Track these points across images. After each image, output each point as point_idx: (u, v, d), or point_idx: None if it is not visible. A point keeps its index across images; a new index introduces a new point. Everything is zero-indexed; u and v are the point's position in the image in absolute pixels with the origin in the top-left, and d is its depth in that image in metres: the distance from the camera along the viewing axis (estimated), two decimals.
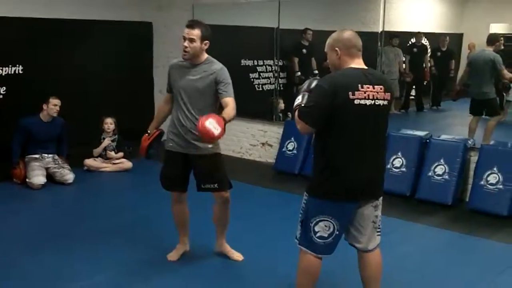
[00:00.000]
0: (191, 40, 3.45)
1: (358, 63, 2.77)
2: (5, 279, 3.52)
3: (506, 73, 6.24)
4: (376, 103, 2.69)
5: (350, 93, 2.63)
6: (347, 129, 2.69)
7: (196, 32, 3.45)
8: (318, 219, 2.79)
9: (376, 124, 2.76)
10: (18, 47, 6.32)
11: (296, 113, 2.79)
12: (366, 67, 2.78)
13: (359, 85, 2.65)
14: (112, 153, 6.40)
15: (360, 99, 2.64)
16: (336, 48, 2.77)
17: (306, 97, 2.77)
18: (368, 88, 2.67)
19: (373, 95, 2.68)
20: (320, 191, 2.77)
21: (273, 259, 3.87)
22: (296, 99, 2.83)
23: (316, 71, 7.30)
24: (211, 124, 3.10)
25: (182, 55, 3.52)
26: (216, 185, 3.66)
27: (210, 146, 3.55)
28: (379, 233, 2.96)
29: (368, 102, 2.67)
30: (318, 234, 2.81)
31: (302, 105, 2.76)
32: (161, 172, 3.75)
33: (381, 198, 2.91)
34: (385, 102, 2.74)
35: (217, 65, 3.58)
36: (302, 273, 2.93)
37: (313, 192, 2.80)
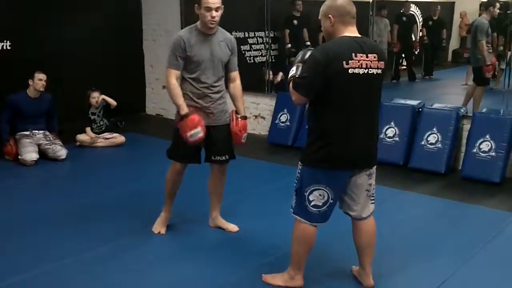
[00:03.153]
0: (217, 9, 3.40)
1: (352, 31, 2.75)
2: None
3: (482, 44, 6.21)
4: (370, 71, 2.68)
5: (344, 62, 2.61)
6: (341, 98, 2.68)
7: (219, 0, 3.42)
8: (312, 188, 2.80)
9: (369, 93, 2.75)
10: (5, 22, 6.22)
11: (291, 84, 2.77)
12: (359, 36, 2.76)
13: (353, 54, 2.63)
14: (106, 98, 6.27)
15: (354, 68, 2.63)
16: (330, 16, 2.73)
17: (300, 68, 2.76)
18: (362, 57, 2.65)
19: (367, 64, 2.66)
20: (314, 160, 2.77)
21: (268, 229, 3.88)
22: (290, 71, 2.82)
23: (308, 42, 7.25)
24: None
25: (208, 26, 3.44)
26: (227, 156, 3.68)
27: (227, 117, 3.65)
28: (373, 202, 2.98)
29: (361, 71, 2.65)
30: (312, 203, 2.82)
31: (296, 76, 2.74)
32: (176, 146, 3.61)
33: (375, 166, 2.92)
34: (379, 71, 2.73)
35: (228, 34, 3.61)
36: (297, 241, 2.96)
37: (307, 161, 2.81)
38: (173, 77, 3.50)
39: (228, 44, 3.58)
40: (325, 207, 2.84)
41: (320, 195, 2.80)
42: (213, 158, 3.68)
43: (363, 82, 2.67)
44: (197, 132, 3.38)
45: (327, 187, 2.79)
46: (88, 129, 6.23)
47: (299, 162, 2.87)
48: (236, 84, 3.68)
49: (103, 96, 6.27)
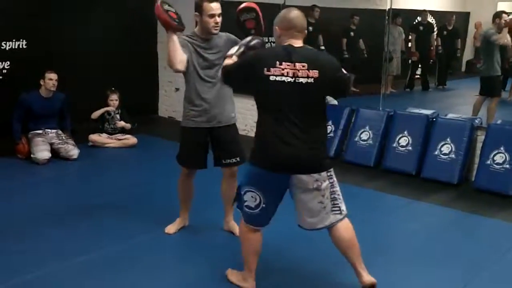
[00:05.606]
0: (220, 15, 3.48)
1: (294, 44, 2.78)
2: (9, 253, 3.53)
3: (499, 37, 6.13)
4: (297, 80, 2.69)
5: (265, 69, 2.68)
6: (267, 104, 2.77)
7: (220, 6, 3.50)
8: (246, 189, 2.87)
9: (301, 101, 2.72)
10: (21, 22, 6.27)
11: (226, 61, 2.91)
12: (299, 45, 2.77)
13: (277, 62, 2.68)
14: (122, 122, 6.38)
15: (276, 75, 2.68)
16: (276, 27, 2.84)
17: (241, 50, 2.93)
18: (289, 65, 2.69)
19: (294, 73, 2.69)
20: (251, 160, 2.87)
21: (275, 234, 3.86)
22: (232, 48, 2.97)
23: (323, 47, 7.26)
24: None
25: (212, 31, 3.49)
26: (238, 158, 3.65)
27: (233, 115, 3.67)
28: (335, 211, 2.90)
29: (286, 79, 2.68)
30: (246, 203, 2.89)
31: (231, 59, 2.88)
32: (181, 151, 3.70)
33: (323, 177, 2.82)
34: (310, 80, 2.70)
35: (223, 33, 3.63)
36: (241, 240, 3.02)
37: (249, 159, 2.91)
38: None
39: (226, 43, 3.54)
40: (257, 210, 2.86)
41: (252, 197, 2.86)
42: (223, 162, 3.66)
43: (290, 90, 2.69)
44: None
45: (258, 190, 2.83)
46: (94, 113, 6.29)
47: None
48: None
49: (122, 123, 6.37)
